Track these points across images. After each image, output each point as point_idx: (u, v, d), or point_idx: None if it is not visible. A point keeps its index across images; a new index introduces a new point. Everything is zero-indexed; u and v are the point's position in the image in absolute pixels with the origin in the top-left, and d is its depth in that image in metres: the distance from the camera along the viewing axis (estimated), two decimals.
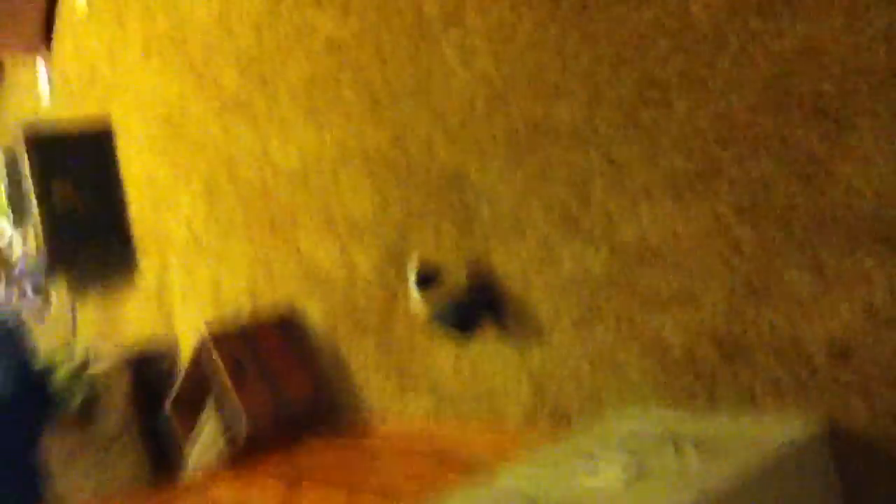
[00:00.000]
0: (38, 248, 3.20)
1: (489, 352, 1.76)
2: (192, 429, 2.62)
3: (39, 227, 3.13)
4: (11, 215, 3.59)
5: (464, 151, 1.71)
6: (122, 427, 3.02)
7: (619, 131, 1.37)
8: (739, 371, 1.29)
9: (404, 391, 2.07)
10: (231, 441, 2.32)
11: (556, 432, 1.64)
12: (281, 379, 2.37)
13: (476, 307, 1.70)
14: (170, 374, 3.11)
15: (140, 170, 3.26)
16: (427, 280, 1.73)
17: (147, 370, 3.13)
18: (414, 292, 1.76)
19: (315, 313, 2.38)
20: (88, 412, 2.98)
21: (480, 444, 1.77)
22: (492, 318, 1.70)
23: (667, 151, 1.30)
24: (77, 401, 2.97)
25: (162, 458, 2.80)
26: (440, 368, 1.92)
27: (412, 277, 1.75)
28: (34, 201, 3.12)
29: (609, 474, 1.19)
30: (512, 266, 1.65)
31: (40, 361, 3.00)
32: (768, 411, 1.28)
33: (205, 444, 2.48)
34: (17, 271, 3.90)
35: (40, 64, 4.27)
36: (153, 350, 3.17)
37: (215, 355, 2.33)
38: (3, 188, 3.62)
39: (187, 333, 3.05)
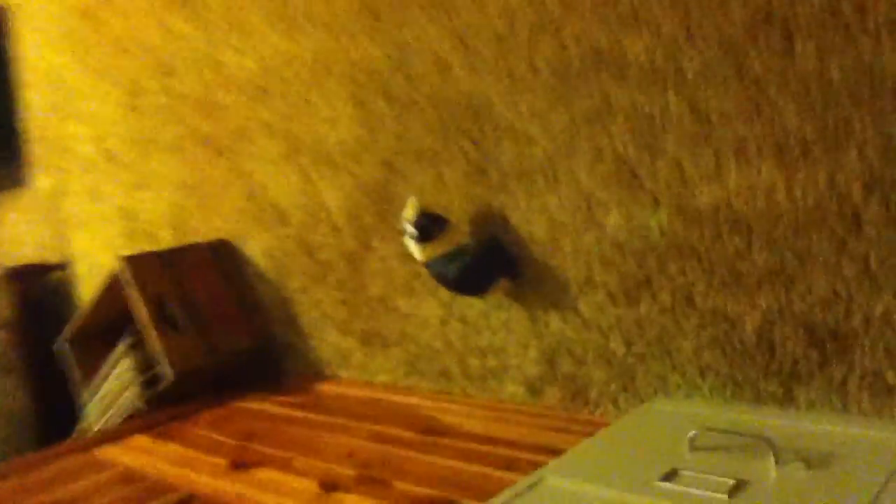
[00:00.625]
0: None
1: (490, 315, 1.53)
2: (95, 371, 2.24)
3: None
4: None
5: (488, 80, 1.44)
6: (3, 358, 2.57)
7: (714, 74, 1.15)
8: (832, 365, 1.12)
9: (371, 350, 1.80)
10: (147, 391, 1.97)
11: (569, 409, 1.44)
12: (214, 325, 2.04)
13: (485, 267, 1.46)
14: (65, 302, 2.67)
15: (42, 67, 2.75)
16: (428, 230, 1.46)
17: (37, 293, 2.69)
18: (409, 242, 1.49)
19: (259, 254, 2.05)
20: None
21: (472, 416, 1.54)
22: (503, 279, 1.46)
23: (776, 104, 1.10)
24: None
25: (53, 403, 2.39)
26: (421, 328, 1.67)
27: (408, 223, 1.47)
28: None
29: (699, 483, 0.99)
30: (536, 222, 1.41)
31: None
32: (861, 413, 1.12)
33: (112, 391, 2.12)
34: None
35: None
36: (45, 269, 2.72)
37: (134, 288, 1.97)
38: None
39: (90, 265, 2.63)
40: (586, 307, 1.37)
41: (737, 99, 1.13)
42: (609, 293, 1.33)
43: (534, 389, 1.49)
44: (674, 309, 1.26)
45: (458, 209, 1.53)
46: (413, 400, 1.67)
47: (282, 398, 1.89)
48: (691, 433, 1.08)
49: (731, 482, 0.97)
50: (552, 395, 1.46)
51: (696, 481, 1.00)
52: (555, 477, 1.06)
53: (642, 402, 1.34)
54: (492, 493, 1.18)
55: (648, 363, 1.32)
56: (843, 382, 1.12)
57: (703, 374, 1.26)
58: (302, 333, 1.98)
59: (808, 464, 0.99)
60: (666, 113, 1.21)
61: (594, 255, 1.34)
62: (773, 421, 1.15)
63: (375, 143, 1.68)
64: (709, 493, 0.96)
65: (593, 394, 1.40)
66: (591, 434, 1.38)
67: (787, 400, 1.18)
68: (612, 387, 1.37)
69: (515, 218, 1.44)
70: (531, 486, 1.05)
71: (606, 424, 1.37)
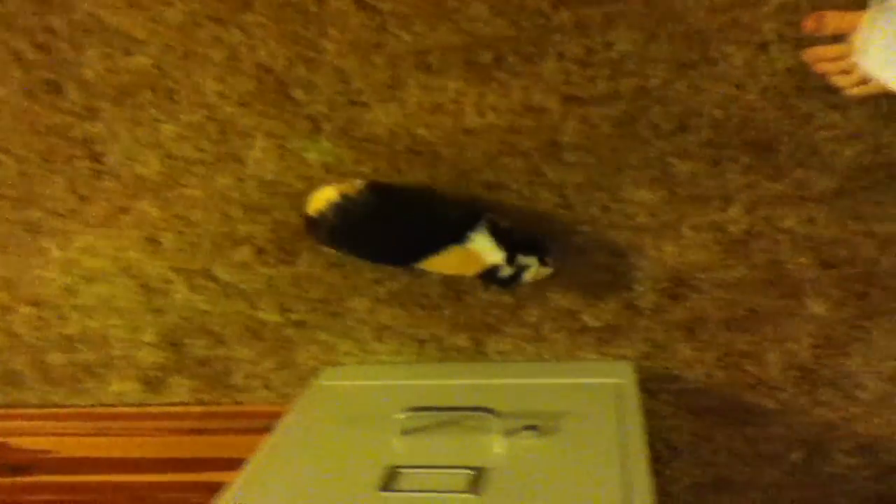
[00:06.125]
0: None
1: (78, 291, 1.09)
2: None
3: None
4: None
5: None
6: None
7: None
8: (525, 308, 0.99)
9: None
10: None
11: (205, 403, 1.10)
12: None
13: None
14: None
15: None
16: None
17: None
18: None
19: None
20: None
21: (65, 434, 1.10)
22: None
23: (464, 2, 0.90)
24: None
25: None
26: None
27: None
28: None
29: (429, 481, 0.77)
30: (145, 160, 1.02)
31: None
32: (555, 358, 1.01)
33: None
34: None
35: None
36: None
37: None
38: None
39: None
40: (224, 269, 1.04)
41: None
42: (258, 248, 1.02)
43: (153, 384, 1.11)
44: (344, 263, 1.01)
45: (14, 147, 1.05)
46: None
47: None
48: (400, 415, 0.85)
49: (468, 472, 0.77)
50: (180, 387, 1.10)
51: (425, 479, 0.78)
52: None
53: (302, 379, 1.07)
54: None
55: (311, 331, 1.05)
56: (537, 327, 1.00)
57: (379, 337, 1.04)
58: None
59: (538, 430, 0.84)
60: (325, 5, 0.93)
61: (233, 199, 1.01)
62: (472, 381, 0.99)
63: None
64: (446, 494, 0.75)
65: (238, 378, 1.09)
66: (243, 432, 1.07)
67: (476, 353, 1.03)
68: (264, 366, 1.08)
69: (114, 155, 1.02)
70: None
71: (262, 415, 1.08)
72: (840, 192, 0.87)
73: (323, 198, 0.91)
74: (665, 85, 0.87)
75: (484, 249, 0.91)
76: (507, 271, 0.92)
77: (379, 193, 0.91)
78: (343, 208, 0.89)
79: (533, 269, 0.93)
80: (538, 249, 0.93)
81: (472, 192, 0.95)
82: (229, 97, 0.97)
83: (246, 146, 0.99)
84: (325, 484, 0.79)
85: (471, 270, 0.93)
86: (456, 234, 0.90)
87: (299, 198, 0.99)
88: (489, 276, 0.93)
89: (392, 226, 0.91)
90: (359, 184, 0.91)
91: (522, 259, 0.92)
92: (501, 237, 0.91)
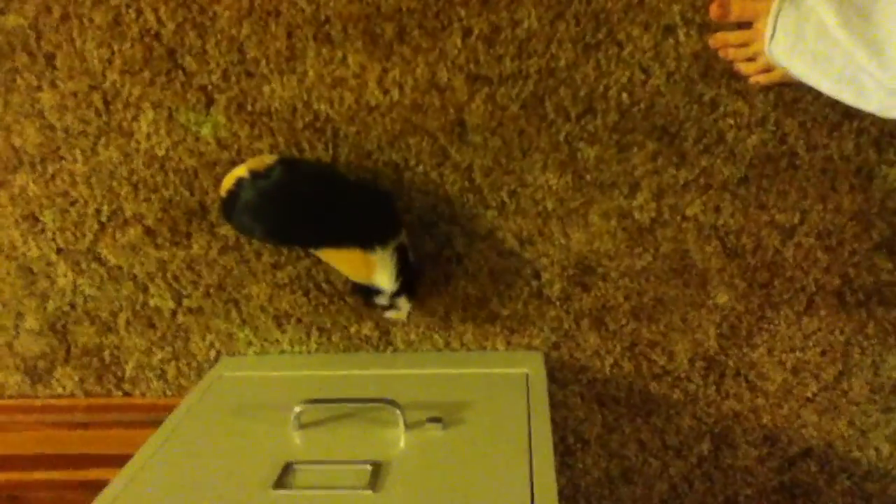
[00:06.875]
0: None
1: None
2: None
3: None
4: None
5: None
6: None
7: None
8: (435, 296, 0.95)
9: None
10: None
11: (91, 394, 1.04)
12: None
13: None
14: None
15: None
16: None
17: None
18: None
19: None
20: None
21: None
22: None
23: None
24: None
25: None
26: None
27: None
28: None
29: (327, 478, 0.72)
30: (21, 134, 0.94)
31: None
32: (465, 348, 0.98)
33: None
34: None
35: None
36: None
37: None
38: None
39: None
40: (112, 251, 0.97)
41: None
42: (147, 229, 0.96)
43: (36, 374, 1.04)
44: (241, 245, 0.96)
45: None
46: None
47: None
48: (296, 409, 0.81)
49: (367, 467, 0.73)
50: (66, 378, 1.03)
51: (322, 475, 0.74)
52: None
53: (200, 370, 1.01)
54: None
55: (207, 319, 0.99)
56: (445, 316, 0.97)
57: (280, 325, 0.99)
58: None
59: (442, 422, 0.80)
60: None
61: (120, 176, 0.94)
62: (377, 372, 0.95)
63: None
64: (343, 491, 0.71)
65: (129, 369, 1.02)
66: (133, 426, 1.01)
67: (383, 343, 0.99)
68: (158, 357, 1.01)
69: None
70: None
71: (154, 408, 1.02)
72: (744, 180, 0.86)
73: (233, 177, 0.85)
74: (572, 66, 0.84)
75: (380, 267, 0.86)
76: (382, 300, 0.89)
77: (290, 169, 0.86)
78: (251, 184, 0.84)
79: (400, 314, 0.91)
80: (415, 293, 0.91)
81: (377, 174, 0.91)
82: (114, 64, 0.90)
83: (133, 118, 0.92)
84: (214, 481, 0.74)
85: (354, 275, 0.89)
86: (364, 239, 0.85)
87: (191, 175, 0.93)
88: (363, 289, 0.89)
89: (301, 203, 0.85)
90: (269, 160, 0.86)
91: (401, 301, 0.89)
92: (402, 269, 0.87)
